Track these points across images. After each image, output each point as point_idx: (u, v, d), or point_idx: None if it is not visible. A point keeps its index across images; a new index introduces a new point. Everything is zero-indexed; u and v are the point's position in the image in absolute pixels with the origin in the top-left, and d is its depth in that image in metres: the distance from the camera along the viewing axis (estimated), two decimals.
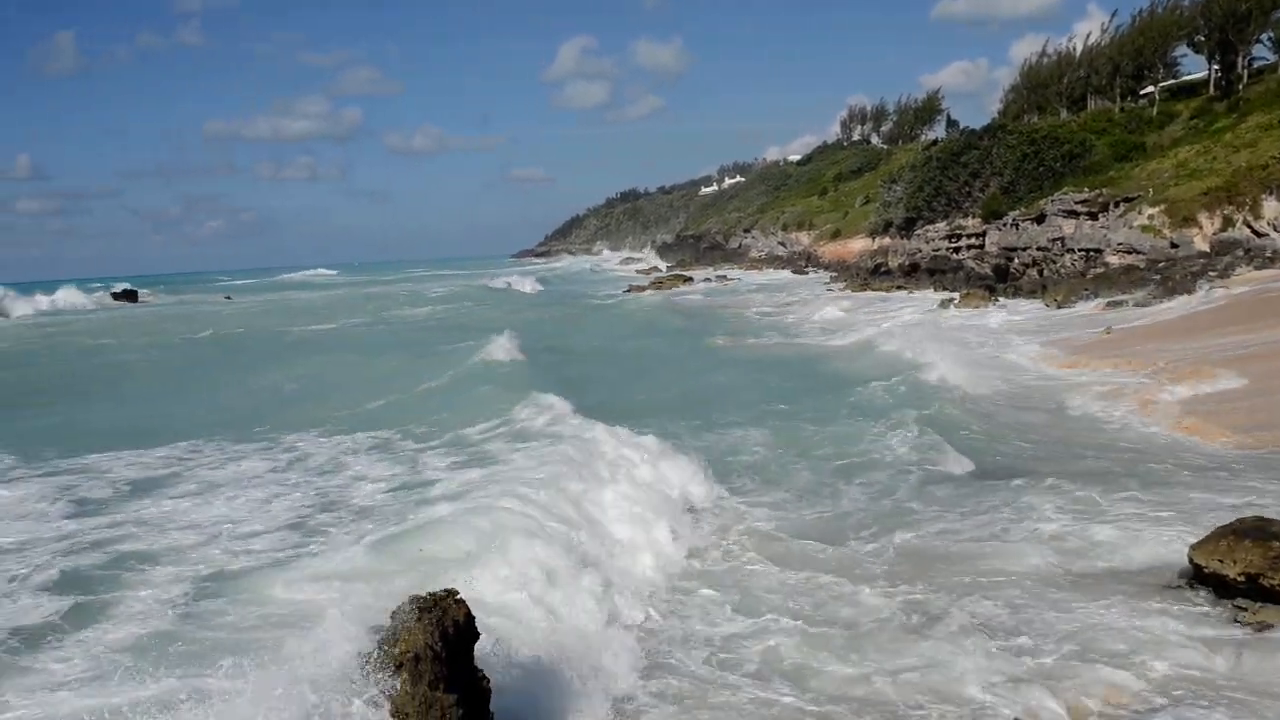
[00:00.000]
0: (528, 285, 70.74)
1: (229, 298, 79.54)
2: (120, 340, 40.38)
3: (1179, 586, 8.10)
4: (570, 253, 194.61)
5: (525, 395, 16.82)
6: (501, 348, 23.78)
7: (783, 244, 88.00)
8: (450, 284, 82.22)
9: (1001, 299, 35.51)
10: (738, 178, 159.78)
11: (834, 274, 61.18)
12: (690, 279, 66.30)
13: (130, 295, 78.69)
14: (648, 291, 58.96)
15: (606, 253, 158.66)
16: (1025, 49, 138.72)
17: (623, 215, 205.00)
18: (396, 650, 5.70)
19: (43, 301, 67.62)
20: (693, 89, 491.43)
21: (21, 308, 64.71)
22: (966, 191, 51.88)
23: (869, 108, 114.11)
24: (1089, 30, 58.15)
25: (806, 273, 69.85)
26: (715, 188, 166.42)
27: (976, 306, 33.93)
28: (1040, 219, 39.60)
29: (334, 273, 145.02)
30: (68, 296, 71.29)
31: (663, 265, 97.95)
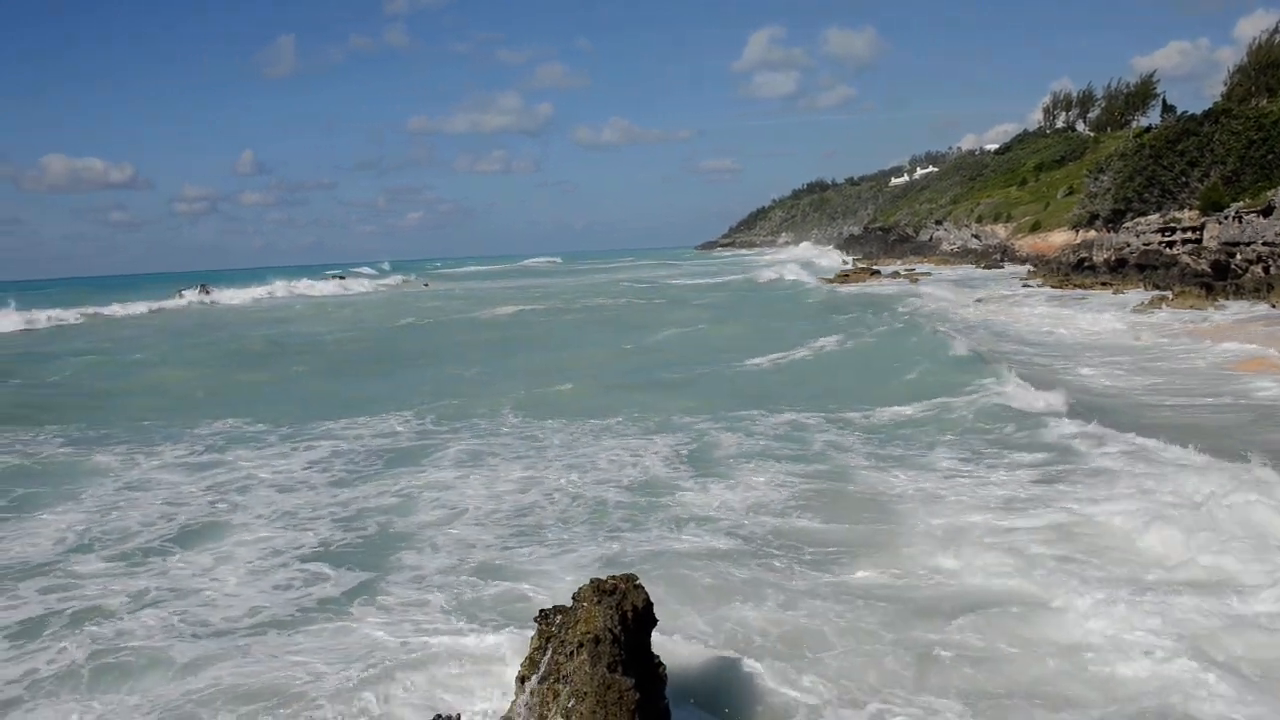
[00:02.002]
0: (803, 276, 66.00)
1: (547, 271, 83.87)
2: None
3: None
4: (753, 244, 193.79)
5: None
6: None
7: (977, 236, 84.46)
8: (678, 273, 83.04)
9: (1221, 299, 32.74)
10: (930, 168, 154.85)
11: (1031, 268, 58.22)
12: (877, 272, 64.70)
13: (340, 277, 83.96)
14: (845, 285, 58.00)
15: (799, 247, 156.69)
16: (1253, 27, 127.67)
17: (809, 206, 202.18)
18: (576, 631, 5.86)
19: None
20: (885, 77, 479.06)
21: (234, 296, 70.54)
22: (1183, 182, 48.31)
23: (1074, 93, 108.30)
24: None
25: (1002, 266, 66.75)
26: (906, 178, 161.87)
27: (1192, 306, 31.46)
28: (1268, 211, 36.32)
29: (557, 259, 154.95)
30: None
31: (849, 260, 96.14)
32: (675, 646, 7.22)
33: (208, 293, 67.37)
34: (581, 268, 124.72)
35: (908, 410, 16.66)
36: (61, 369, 29.05)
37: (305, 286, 79.97)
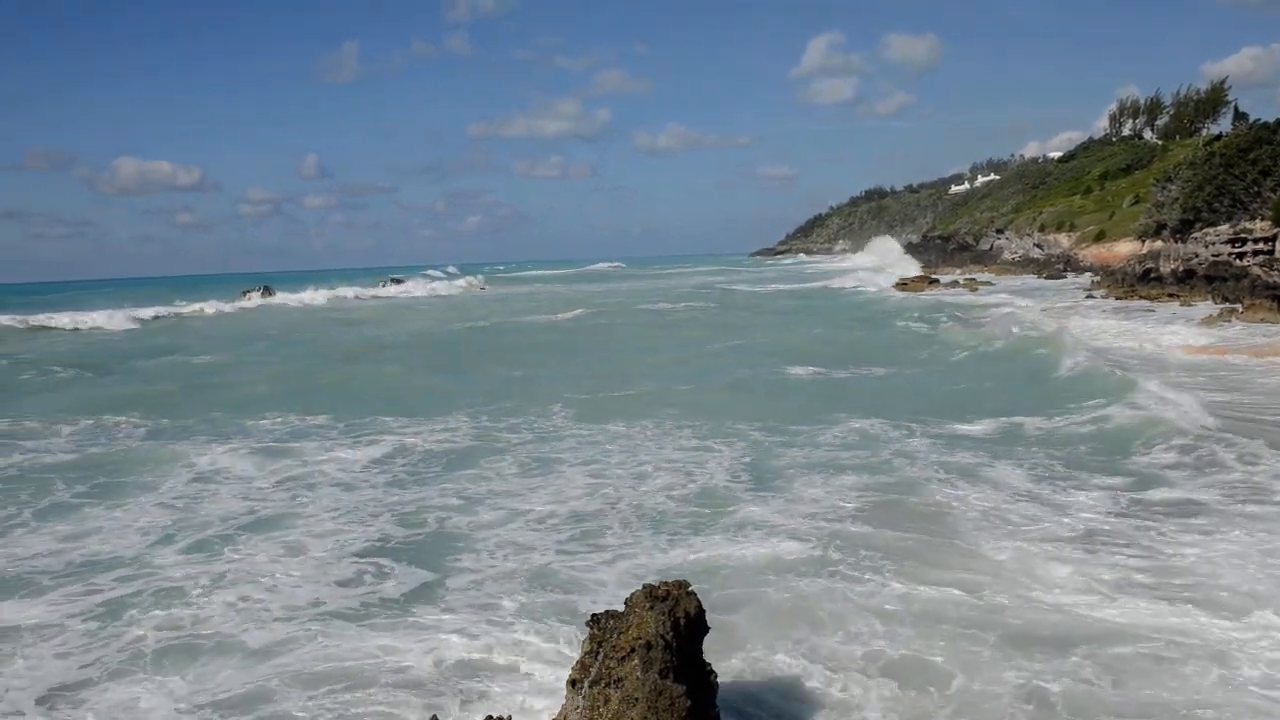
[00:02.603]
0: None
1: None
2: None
3: None
4: (809, 252, 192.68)
5: None
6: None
7: (1039, 246, 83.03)
8: (746, 279, 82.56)
9: None
10: (991, 176, 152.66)
11: (1095, 278, 57.01)
12: (935, 280, 63.81)
13: (397, 281, 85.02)
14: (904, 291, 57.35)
15: (862, 254, 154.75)
16: None
17: (866, 214, 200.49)
18: (628, 636, 5.89)
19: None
20: (945, 84, 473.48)
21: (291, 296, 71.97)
22: (1255, 191, 46.92)
23: (1142, 100, 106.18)
24: None
25: (1064, 276, 65.49)
26: (966, 186, 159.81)
27: (1263, 319, 30.55)
28: None
29: (620, 264, 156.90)
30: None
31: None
32: (728, 656, 7.22)
33: (271, 294, 68.66)
34: (648, 272, 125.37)
35: (1045, 422, 15.92)
36: (156, 365, 30.41)
37: (378, 287, 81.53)
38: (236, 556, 10.33)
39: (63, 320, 48.36)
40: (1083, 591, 8.57)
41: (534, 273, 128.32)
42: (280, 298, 67.53)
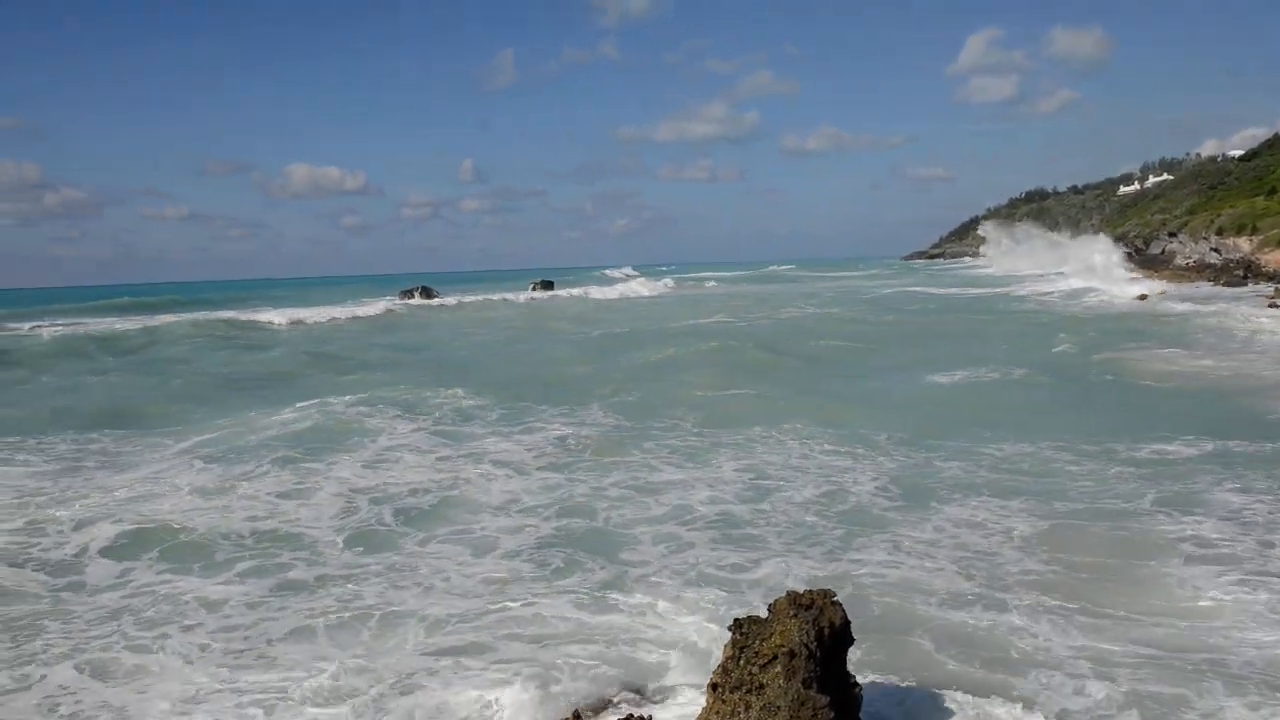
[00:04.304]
0: None
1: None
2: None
3: None
4: (962, 255, 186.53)
5: None
6: None
7: (1216, 250, 77.91)
8: (927, 284, 79.43)
9: None
10: (1164, 176, 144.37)
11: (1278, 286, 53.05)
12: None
13: (548, 285, 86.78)
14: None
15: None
16: None
17: (1027, 216, 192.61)
18: (770, 643, 5.86)
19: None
20: (1114, 80, 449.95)
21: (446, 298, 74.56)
22: None
23: None
24: None
25: (1244, 284, 61.20)
26: (1136, 186, 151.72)
27: None
28: None
29: (791, 265, 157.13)
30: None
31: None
32: (873, 671, 7.11)
33: (429, 296, 71.20)
34: (822, 274, 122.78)
35: None
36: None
37: (567, 288, 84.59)
38: (409, 531, 11.25)
39: (305, 314, 52.52)
40: None
41: (708, 274, 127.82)
42: (440, 299, 70.01)
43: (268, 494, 13.01)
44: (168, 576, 9.99)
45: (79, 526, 11.53)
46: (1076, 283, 62.84)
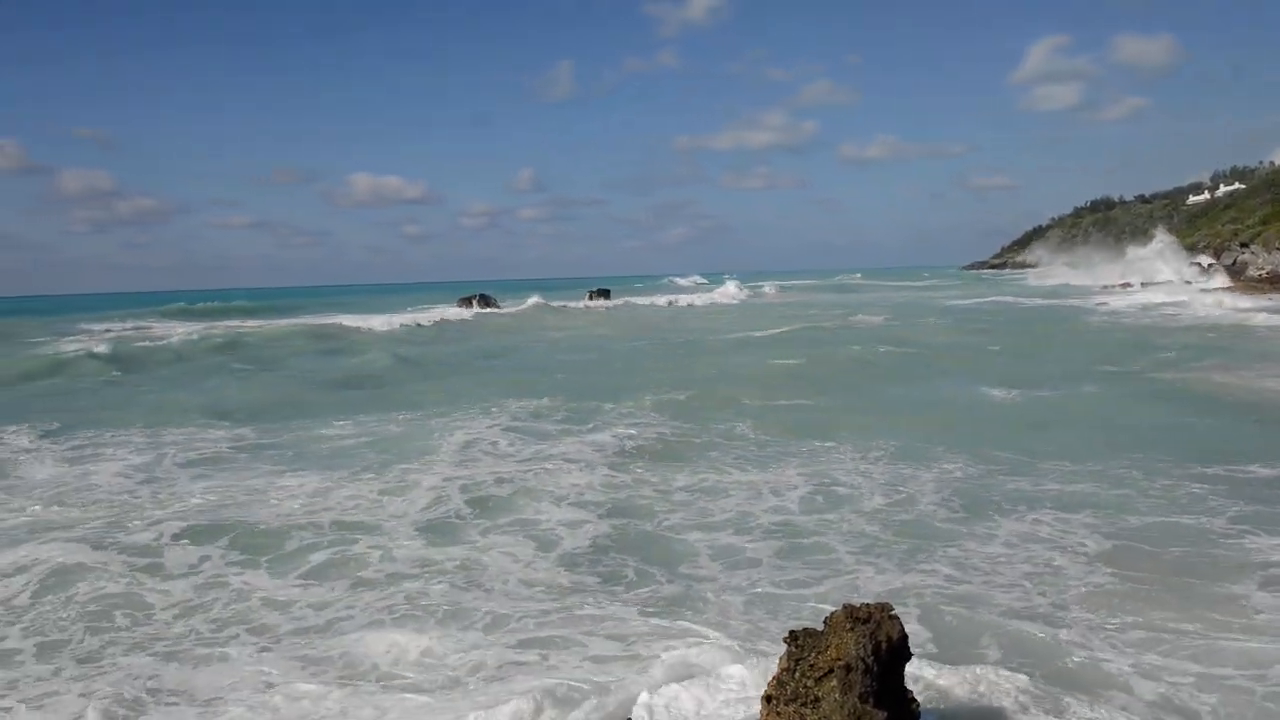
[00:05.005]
0: None
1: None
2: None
3: None
4: (1030, 265, 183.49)
5: None
6: None
7: None
8: (1001, 293, 77.69)
9: None
10: (1235, 185, 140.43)
11: None
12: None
13: (604, 293, 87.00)
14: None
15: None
16: None
17: (1091, 226, 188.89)
18: (826, 656, 5.73)
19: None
20: (1183, 86, 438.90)
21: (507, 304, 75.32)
22: None
23: None
24: None
25: None
26: (1206, 196, 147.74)
27: None
28: None
29: (857, 274, 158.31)
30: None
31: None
32: (928, 688, 6.92)
33: (488, 304, 71.86)
34: (891, 284, 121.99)
35: None
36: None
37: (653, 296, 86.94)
38: (476, 526, 11.64)
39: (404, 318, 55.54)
40: None
41: (778, 281, 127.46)
42: (501, 308, 70.71)
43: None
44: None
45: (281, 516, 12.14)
46: (1150, 295, 61.29)
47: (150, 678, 7.76)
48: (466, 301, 72.57)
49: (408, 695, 7.22)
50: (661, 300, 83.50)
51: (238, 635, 8.64)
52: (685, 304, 79.93)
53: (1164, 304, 53.39)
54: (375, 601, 9.33)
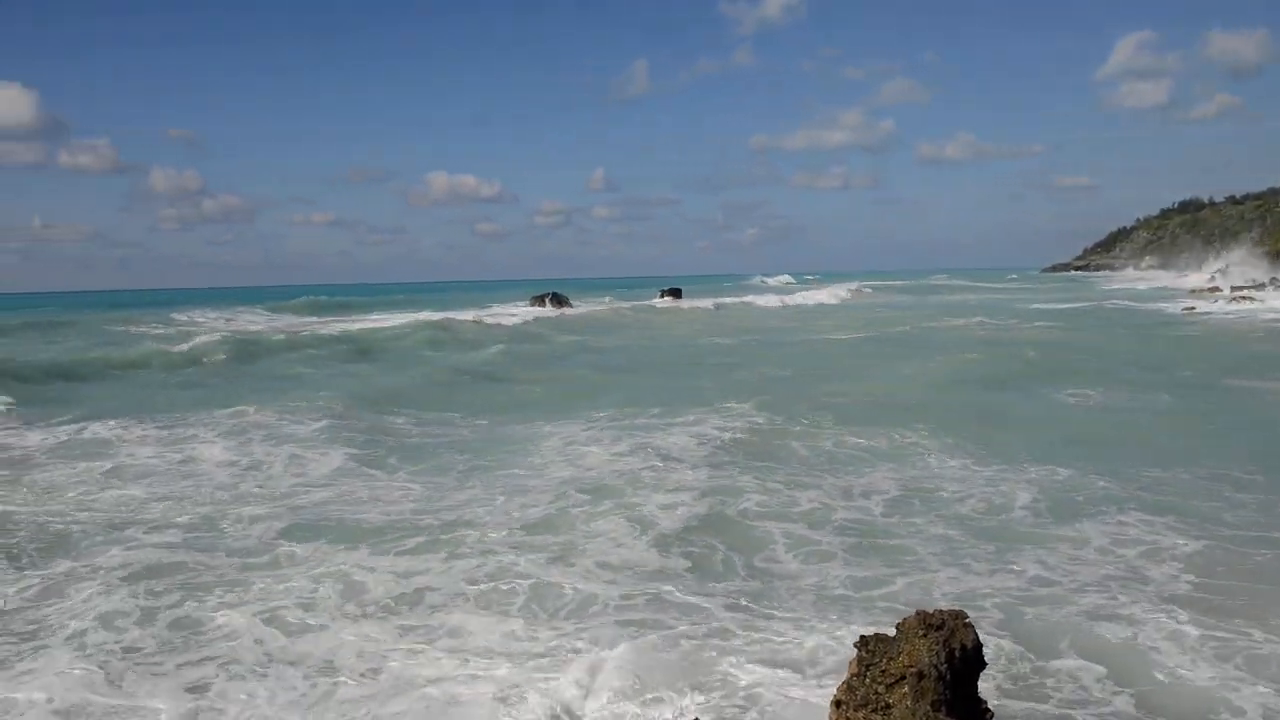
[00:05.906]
0: None
1: None
2: None
3: None
4: (1110, 268, 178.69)
5: None
6: None
7: None
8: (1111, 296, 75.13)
9: None
10: None
11: None
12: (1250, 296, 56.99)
13: (675, 293, 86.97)
14: None
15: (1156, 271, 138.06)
16: None
17: (1179, 227, 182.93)
18: (898, 663, 5.69)
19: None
20: (1278, 82, 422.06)
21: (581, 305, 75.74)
22: None
23: None
24: None
25: None
26: None
27: None
28: None
29: (944, 275, 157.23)
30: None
31: None
32: (1006, 696, 6.83)
33: (559, 304, 72.01)
34: (985, 285, 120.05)
35: None
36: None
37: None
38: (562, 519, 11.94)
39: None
40: None
41: (872, 283, 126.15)
42: (576, 308, 71.09)
43: None
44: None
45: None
46: (1248, 304, 59.17)
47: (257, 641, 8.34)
48: (539, 300, 72.91)
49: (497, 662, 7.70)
50: (773, 301, 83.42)
51: (343, 606, 9.18)
52: (795, 304, 79.76)
53: (1256, 310, 51.52)
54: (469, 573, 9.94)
